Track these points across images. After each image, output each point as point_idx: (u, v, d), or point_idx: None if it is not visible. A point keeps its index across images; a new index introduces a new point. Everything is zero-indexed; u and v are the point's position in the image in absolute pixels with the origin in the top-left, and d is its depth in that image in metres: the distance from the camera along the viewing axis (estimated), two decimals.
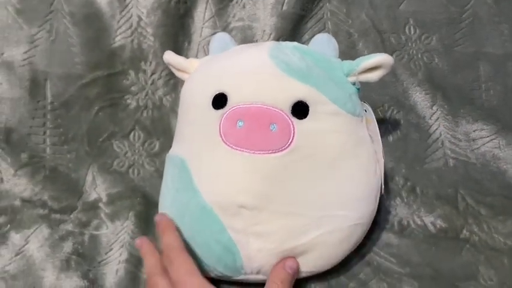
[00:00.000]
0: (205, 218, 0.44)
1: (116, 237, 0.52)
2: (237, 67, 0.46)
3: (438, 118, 0.59)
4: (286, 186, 0.43)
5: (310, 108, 0.44)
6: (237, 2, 0.63)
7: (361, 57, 0.47)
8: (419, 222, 0.52)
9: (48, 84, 0.61)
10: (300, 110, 0.44)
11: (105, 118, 0.61)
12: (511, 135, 0.58)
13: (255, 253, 0.43)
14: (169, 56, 0.52)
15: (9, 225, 0.53)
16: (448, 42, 0.63)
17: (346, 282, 0.47)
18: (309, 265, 0.45)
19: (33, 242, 0.52)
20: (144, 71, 0.62)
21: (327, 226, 0.44)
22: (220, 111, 0.44)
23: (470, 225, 0.51)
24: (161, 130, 0.61)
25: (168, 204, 0.48)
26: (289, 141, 0.43)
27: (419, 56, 0.63)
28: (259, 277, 0.45)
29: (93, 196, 0.57)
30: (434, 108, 0.60)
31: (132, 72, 0.62)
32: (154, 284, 0.42)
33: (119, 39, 0.62)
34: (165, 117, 0.62)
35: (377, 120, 0.52)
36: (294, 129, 0.43)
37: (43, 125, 0.60)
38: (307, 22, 0.63)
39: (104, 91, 0.61)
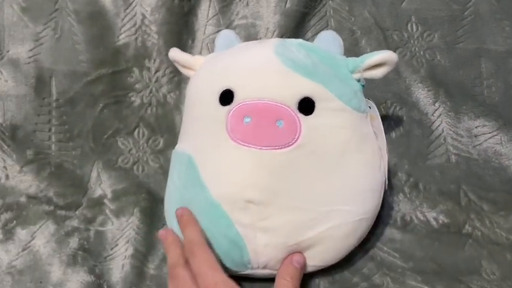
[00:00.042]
0: (212, 213, 0.44)
1: (121, 233, 0.53)
2: (243, 64, 0.47)
3: (440, 114, 0.60)
4: (293, 182, 0.43)
5: (316, 105, 0.44)
6: (240, 0, 0.63)
7: (365, 54, 0.47)
8: (422, 218, 0.52)
9: (54, 82, 0.61)
10: (306, 106, 0.44)
11: (109, 115, 0.61)
12: None
13: (262, 248, 0.44)
14: (175, 53, 0.52)
15: (15, 221, 0.54)
16: (450, 39, 0.63)
17: (350, 277, 0.47)
18: (314, 259, 0.45)
19: (40, 237, 0.52)
20: (148, 69, 0.63)
21: (332, 221, 0.44)
22: (227, 107, 0.45)
23: (473, 220, 0.52)
24: (165, 127, 0.62)
25: (175, 200, 0.48)
26: (296, 137, 0.43)
27: (422, 53, 0.63)
28: (266, 271, 0.45)
29: (98, 192, 0.57)
30: (437, 104, 0.60)
31: (136, 70, 0.63)
32: (176, 275, 0.42)
33: (123, 37, 0.62)
34: (169, 114, 0.62)
35: (380, 117, 0.52)
36: (300, 126, 0.43)
37: (48, 122, 0.61)
38: (310, 20, 0.63)
39: (109, 88, 0.62)
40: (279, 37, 0.62)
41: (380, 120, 0.52)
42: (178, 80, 0.63)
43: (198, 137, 0.47)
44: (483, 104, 0.61)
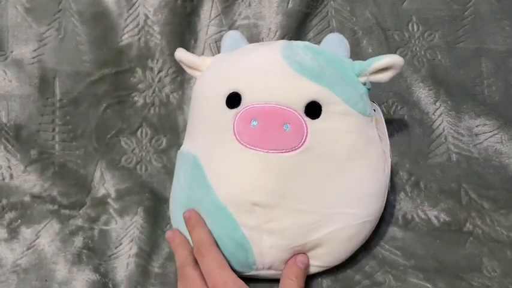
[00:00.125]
0: (218, 215, 0.44)
1: (125, 231, 0.53)
2: (250, 66, 0.47)
3: (441, 114, 0.60)
4: (299, 185, 0.43)
5: (322, 108, 0.44)
6: (242, 0, 0.63)
7: (372, 58, 0.47)
8: (423, 216, 0.53)
9: (57, 82, 0.61)
10: (313, 110, 0.44)
11: (113, 115, 0.62)
12: None
13: (267, 249, 0.44)
14: (181, 54, 0.52)
15: (19, 221, 0.54)
16: (451, 39, 0.64)
17: (352, 275, 0.47)
18: (318, 260, 0.45)
19: (44, 236, 0.52)
20: (151, 69, 0.63)
21: (337, 223, 0.44)
22: (234, 110, 0.45)
23: (474, 218, 0.52)
24: (168, 127, 0.62)
25: (181, 200, 0.48)
26: (303, 140, 0.43)
27: (423, 52, 0.63)
28: (270, 272, 0.45)
29: (101, 192, 0.57)
30: (438, 104, 0.61)
31: (139, 70, 0.63)
32: (185, 275, 0.43)
33: (126, 37, 0.62)
34: (172, 114, 0.62)
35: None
36: (307, 129, 0.43)
37: (52, 121, 0.61)
38: (312, 20, 0.64)
39: (112, 88, 0.62)
40: (281, 37, 0.62)
41: (384, 123, 0.52)
42: (181, 80, 0.63)
43: (204, 138, 0.47)
44: (483, 103, 0.61)
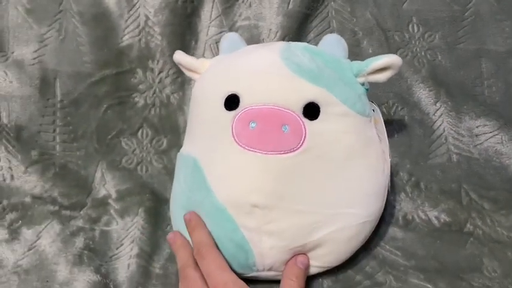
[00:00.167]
0: (218, 217, 0.44)
1: (126, 232, 0.53)
2: (249, 68, 0.47)
3: (442, 114, 0.60)
4: (298, 186, 0.43)
5: (321, 109, 0.44)
6: (243, 1, 0.63)
7: (370, 58, 0.47)
8: (423, 217, 0.53)
9: (58, 83, 0.62)
10: (311, 111, 0.44)
11: (113, 116, 0.62)
12: None
13: (267, 251, 0.44)
14: (180, 56, 0.52)
15: (20, 221, 0.54)
16: (451, 39, 0.64)
17: (353, 275, 0.48)
18: (319, 261, 0.45)
19: (45, 237, 0.52)
20: (152, 70, 0.63)
21: (336, 224, 0.44)
22: (233, 112, 0.45)
23: (474, 219, 0.52)
24: (169, 127, 0.62)
25: (181, 202, 0.48)
26: (301, 142, 0.43)
27: (423, 53, 0.63)
28: (271, 273, 0.45)
29: (102, 193, 0.58)
30: (438, 104, 0.61)
31: (139, 71, 0.63)
32: (186, 276, 0.43)
33: (127, 38, 0.63)
34: (172, 115, 0.62)
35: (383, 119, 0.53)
36: (305, 130, 0.43)
37: (53, 122, 0.61)
38: (313, 21, 0.64)
39: (113, 89, 0.62)
40: (281, 38, 0.62)
41: (383, 123, 0.52)
42: (181, 80, 0.63)
43: (203, 140, 0.47)
44: (484, 104, 0.61)
